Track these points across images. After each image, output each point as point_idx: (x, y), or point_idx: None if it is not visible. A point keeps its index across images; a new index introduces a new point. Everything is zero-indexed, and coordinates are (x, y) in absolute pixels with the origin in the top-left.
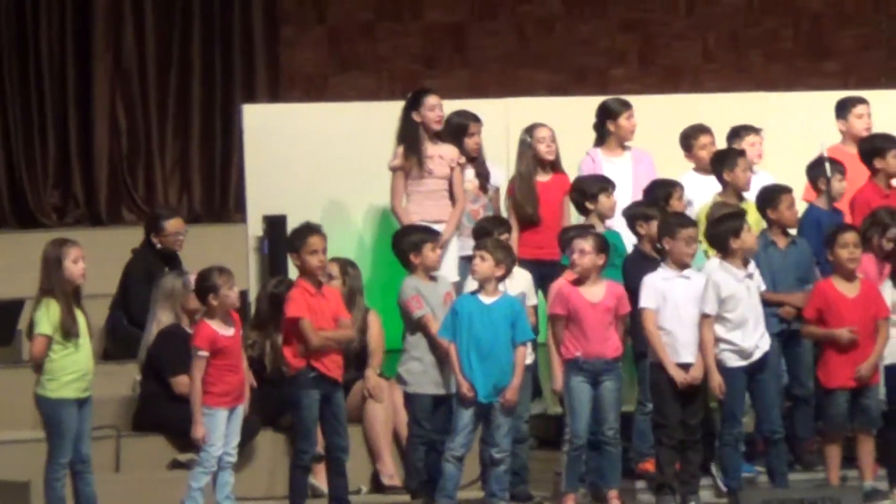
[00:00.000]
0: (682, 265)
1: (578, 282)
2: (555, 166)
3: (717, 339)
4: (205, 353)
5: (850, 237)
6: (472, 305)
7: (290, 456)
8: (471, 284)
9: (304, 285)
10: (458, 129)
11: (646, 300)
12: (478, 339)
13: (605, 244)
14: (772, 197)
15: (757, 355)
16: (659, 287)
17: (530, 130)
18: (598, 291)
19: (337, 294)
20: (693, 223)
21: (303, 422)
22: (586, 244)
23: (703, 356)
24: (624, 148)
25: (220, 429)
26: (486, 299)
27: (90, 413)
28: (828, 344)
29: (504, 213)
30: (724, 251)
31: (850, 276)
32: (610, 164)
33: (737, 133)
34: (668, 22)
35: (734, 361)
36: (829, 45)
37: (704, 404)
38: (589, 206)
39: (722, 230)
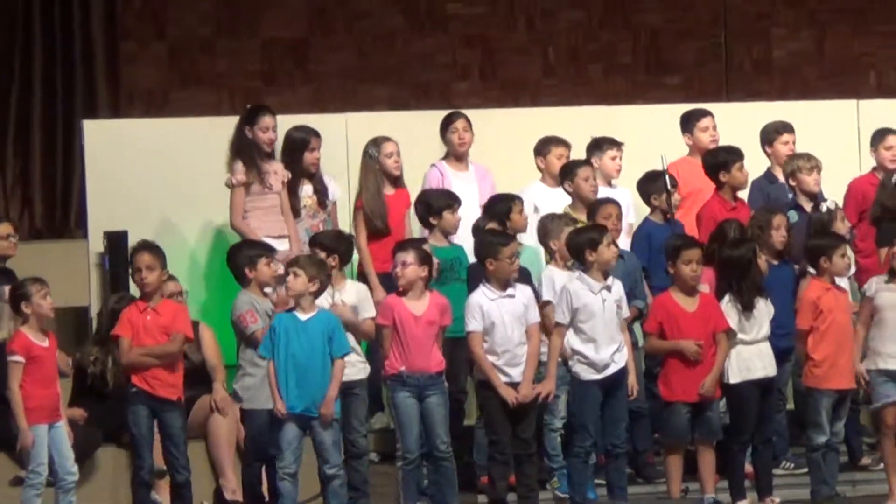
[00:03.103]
0: (506, 283)
1: (404, 294)
2: (398, 181)
3: (572, 351)
4: (20, 359)
5: (693, 254)
6: (288, 322)
7: (131, 471)
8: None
9: (136, 303)
10: (300, 144)
11: (471, 323)
12: (295, 355)
13: (428, 256)
14: (595, 209)
15: (612, 370)
16: (485, 308)
17: (377, 144)
18: (422, 304)
19: (175, 309)
20: (514, 237)
21: (132, 438)
22: (408, 256)
23: (548, 363)
24: (464, 162)
25: (41, 446)
26: (302, 315)
27: None
28: (670, 357)
29: (346, 228)
30: (582, 262)
31: (690, 291)
32: (457, 179)
33: (598, 145)
34: (509, 37)
35: (587, 374)
36: (669, 59)
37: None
38: (433, 220)
39: (580, 242)
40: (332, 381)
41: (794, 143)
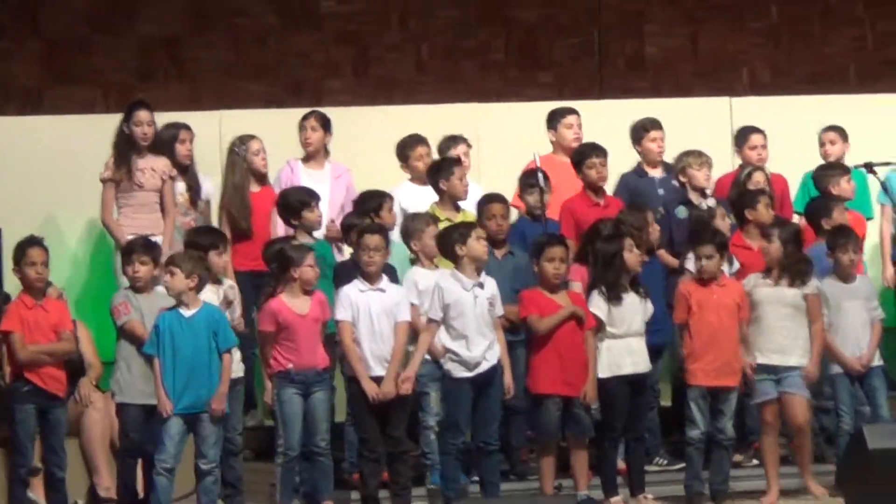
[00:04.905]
0: (371, 277)
1: (295, 296)
2: (264, 178)
3: (444, 349)
4: None
5: (557, 251)
6: (172, 320)
7: (7, 469)
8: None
9: (23, 298)
10: (170, 140)
11: (341, 313)
12: (182, 352)
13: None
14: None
15: (483, 368)
16: (353, 299)
17: (244, 142)
18: (304, 303)
19: (60, 307)
20: (378, 230)
21: (16, 435)
22: (312, 259)
23: (412, 357)
24: (318, 161)
25: None
26: (185, 312)
27: None
28: (537, 350)
29: (216, 225)
30: (453, 259)
31: (553, 289)
32: (308, 177)
33: (448, 144)
34: (382, 34)
35: (459, 372)
36: (543, 56)
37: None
38: (293, 220)
39: (450, 238)
40: (222, 375)
41: (662, 139)
